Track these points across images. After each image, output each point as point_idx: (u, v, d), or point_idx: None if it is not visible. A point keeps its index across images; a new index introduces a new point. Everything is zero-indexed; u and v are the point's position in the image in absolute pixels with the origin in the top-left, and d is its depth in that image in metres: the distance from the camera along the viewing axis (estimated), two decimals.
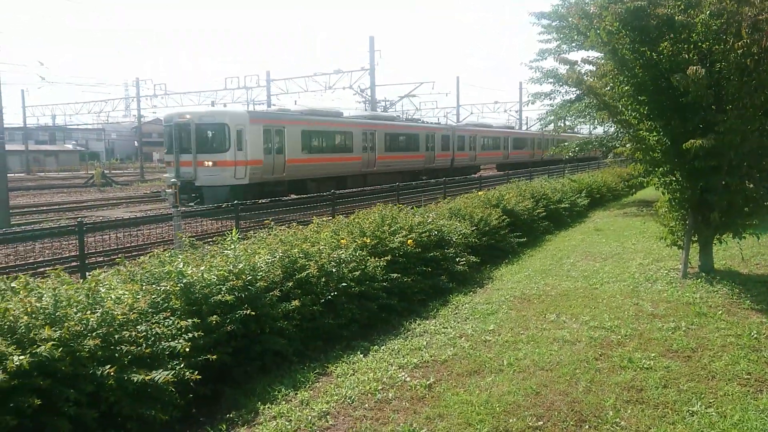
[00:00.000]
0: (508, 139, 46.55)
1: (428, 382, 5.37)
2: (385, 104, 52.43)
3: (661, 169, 9.41)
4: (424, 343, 6.49)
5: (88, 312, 4.52)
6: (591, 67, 11.06)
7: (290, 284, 6.27)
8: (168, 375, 4.37)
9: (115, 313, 4.57)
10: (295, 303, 6.00)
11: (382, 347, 6.43)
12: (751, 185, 9.02)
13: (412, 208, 11.11)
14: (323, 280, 6.66)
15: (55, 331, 4.12)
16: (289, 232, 7.92)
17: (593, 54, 12.98)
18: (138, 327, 4.68)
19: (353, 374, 5.66)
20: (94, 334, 4.30)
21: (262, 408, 4.97)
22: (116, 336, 4.45)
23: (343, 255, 7.24)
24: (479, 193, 14.46)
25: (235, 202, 11.91)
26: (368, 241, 8.11)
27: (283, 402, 5.09)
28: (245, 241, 7.48)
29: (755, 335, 6.40)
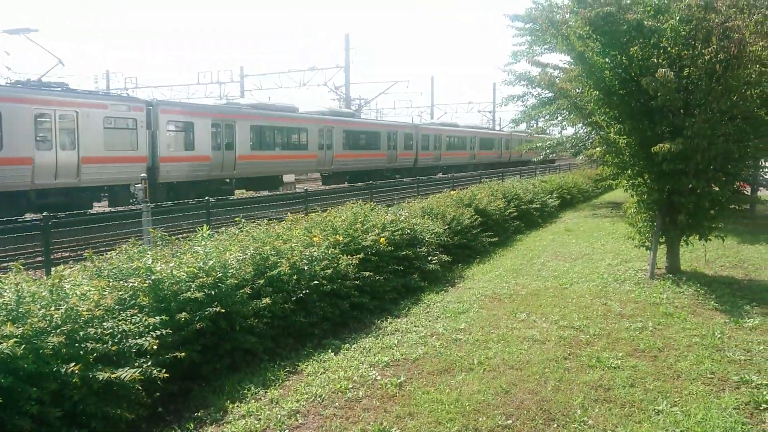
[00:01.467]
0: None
1: (399, 381, 5.37)
2: (359, 102, 52.36)
3: (629, 171, 9.56)
4: (396, 341, 6.50)
5: (53, 308, 4.41)
6: (560, 72, 11.22)
7: (261, 282, 6.21)
8: (134, 373, 4.28)
9: (81, 309, 4.46)
10: (266, 301, 5.95)
11: (354, 346, 6.41)
12: (717, 188, 9.23)
13: (385, 206, 11.11)
14: (295, 277, 6.61)
15: (18, 327, 4.01)
16: (261, 229, 7.85)
17: (565, 58, 13.17)
18: (104, 324, 4.56)
19: (324, 372, 5.63)
20: (58, 330, 4.18)
21: (231, 406, 4.92)
22: (81, 333, 4.34)
23: (315, 253, 7.20)
24: (451, 192, 14.53)
25: (207, 198, 11.76)
26: (341, 239, 8.08)
27: (253, 400, 5.04)
28: (216, 238, 7.39)
29: (719, 335, 6.54)
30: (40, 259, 9.65)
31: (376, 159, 32.78)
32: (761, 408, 4.82)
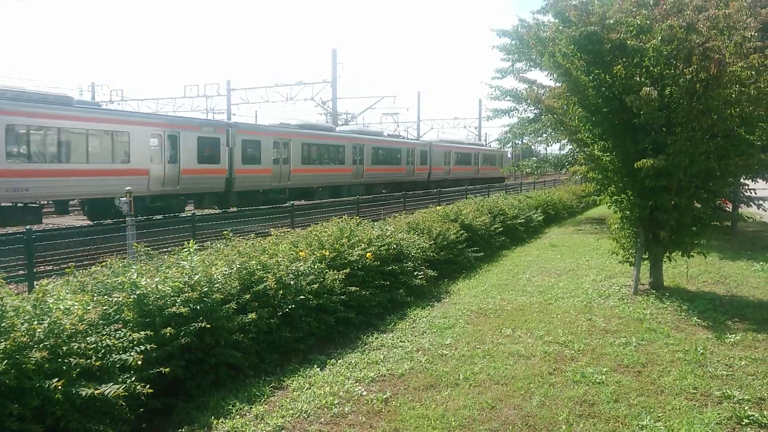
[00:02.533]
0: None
1: (385, 396, 5.36)
2: (346, 117, 52.54)
3: (612, 187, 9.68)
4: (381, 356, 6.49)
5: (36, 323, 4.37)
6: (546, 90, 11.36)
7: (247, 296, 6.19)
8: (118, 388, 4.24)
9: (64, 323, 4.43)
10: (252, 316, 5.93)
11: (339, 361, 6.39)
12: (699, 205, 9.36)
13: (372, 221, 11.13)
14: (281, 292, 6.59)
15: (0, 342, 3.97)
16: (247, 244, 7.84)
17: (550, 78, 13.36)
18: (88, 339, 4.53)
19: (309, 388, 5.61)
20: (41, 345, 4.15)
21: (215, 422, 4.88)
22: (65, 348, 4.30)
23: (301, 267, 7.19)
24: (437, 207, 14.59)
25: (193, 212, 11.71)
26: (327, 253, 8.08)
27: (238, 416, 5.01)
28: (202, 252, 7.36)
29: (702, 351, 6.61)
30: (22, 272, 9.53)
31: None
32: (743, 423, 4.87)
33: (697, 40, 8.18)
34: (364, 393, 5.47)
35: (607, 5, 9.54)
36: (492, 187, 32.42)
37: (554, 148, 25.39)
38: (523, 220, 17.27)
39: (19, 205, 16.74)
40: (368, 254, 8.42)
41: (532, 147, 32.64)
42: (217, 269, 6.30)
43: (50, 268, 11.25)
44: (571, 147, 21.37)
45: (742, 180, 15.05)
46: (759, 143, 9.11)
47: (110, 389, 4.21)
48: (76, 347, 4.36)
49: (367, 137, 33.39)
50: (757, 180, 15.86)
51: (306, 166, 27.53)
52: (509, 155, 54.86)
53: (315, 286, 7.02)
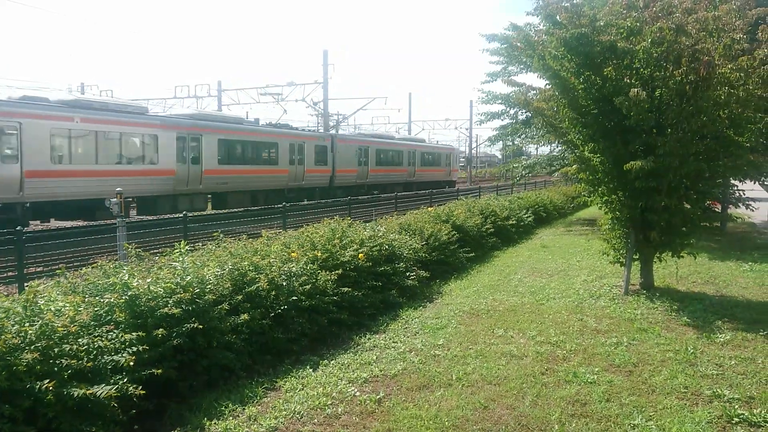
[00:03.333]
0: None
1: (378, 397, 5.36)
2: (338, 118, 52.49)
3: (602, 188, 9.73)
4: (374, 357, 6.49)
5: (27, 324, 4.34)
6: (536, 93, 11.42)
7: (239, 297, 6.18)
8: (110, 390, 4.22)
9: (56, 325, 4.40)
10: (244, 317, 5.92)
11: (332, 362, 6.39)
12: (689, 206, 9.43)
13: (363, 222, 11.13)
14: (273, 293, 6.58)
15: None
16: (239, 245, 7.82)
17: (540, 81, 13.45)
18: (79, 340, 4.50)
19: (302, 389, 5.60)
20: (32, 347, 4.12)
21: (208, 424, 4.86)
22: (56, 349, 4.28)
23: (293, 268, 7.19)
24: (429, 209, 14.62)
25: (184, 213, 11.67)
26: (319, 254, 8.07)
27: (231, 417, 5.00)
28: (194, 253, 7.33)
29: (692, 351, 6.66)
30: (12, 273, 9.46)
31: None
32: (733, 422, 4.91)
33: (687, 42, 8.24)
34: (357, 393, 5.47)
35: (598, 7, 9.62)
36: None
37: (545, 150, 25.52)
38: (514, 221, 17.32)
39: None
40: (360, 255, 8.42)
41: (523, 148, 32.77)
42: (209, 270, 6.29)
43: (40, 269, 11.16)
44: (561, 148, 21.48)
45: (731, 181, 15.17)
46: (748, 144, 9.19)
47: (102, 390, 4.18)
48: (67, 348, 4.33)
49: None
50: (745, 181, 16.01)
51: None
52: (463, 155, 54.40)
53: (307, 287, 7.02)
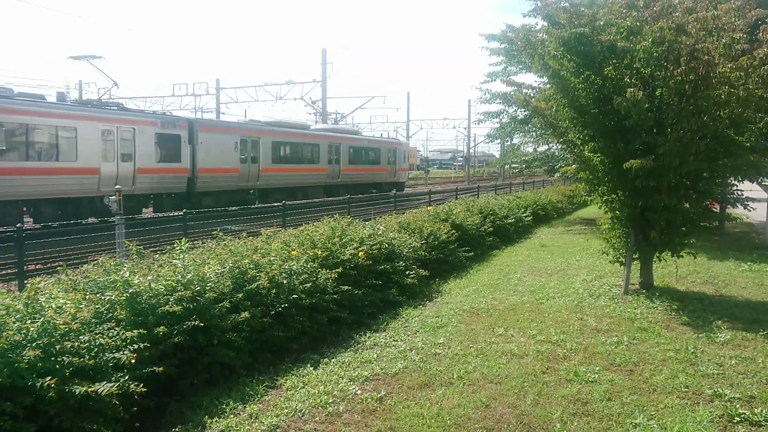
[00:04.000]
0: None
1: (379, 395, 5.36)
2: (336, 116, 52.49)
3: (602, 187, 9.73)
4: (375, 356, 6.49)
5: (28, 321, 4.33)
6: (535, 92, 11.42)
7: (240, 295, 6.16)
8: (112, 387, 4.21)
9: (57, 322, 4.39)
10: (245, 315, 5.91)
11: (333, 360, 6.38)
12: (689, 206, 9.43)
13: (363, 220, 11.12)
14: (274, 291, 6.57)
15: None
16: (239, 243, 7.81)
17: (540, 79, 13.44)
18: (81, 337, 4.49)
19: (303, 387, 5.59)
20: (34, 344, 4.11)
21: (209, 422, 4.85)
22: (57, 346, 4.27)
23: (294, 266, 7.17)
24: (428, 208, 14.62)
25: (184, 211, 11.65)
26: (319, 252, 8.06)
27: (231, 415, 4.99)
28: (195, 251, 7.32)
29: (692, 350, 6.66)
30: (12, 271, 9.43)
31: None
32: (734, 421, 4.91)
33: (687, 42, 8.24)
34: (359, 392, 5.46)
35: (598, 6, 9.62)
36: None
37: (543, 149, 25.48)
38: (513, 221, 17.33)
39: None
40: (360, 253, 8.42)
41: (521, 147, 32.77)
42: (209, 268, 6.28)
43: (39, 267, 11.14)
44: (559, 148, 21.48)
45: (730, 181, 15.19)
46: (748, 144, 9.19)
47: (103, 388, 4.18)
48: (69, 346, 4.32)
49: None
50: (743, 181, 16.03)
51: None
52: (461, 154, 54.88)
53: (308, 285, 7.01)
